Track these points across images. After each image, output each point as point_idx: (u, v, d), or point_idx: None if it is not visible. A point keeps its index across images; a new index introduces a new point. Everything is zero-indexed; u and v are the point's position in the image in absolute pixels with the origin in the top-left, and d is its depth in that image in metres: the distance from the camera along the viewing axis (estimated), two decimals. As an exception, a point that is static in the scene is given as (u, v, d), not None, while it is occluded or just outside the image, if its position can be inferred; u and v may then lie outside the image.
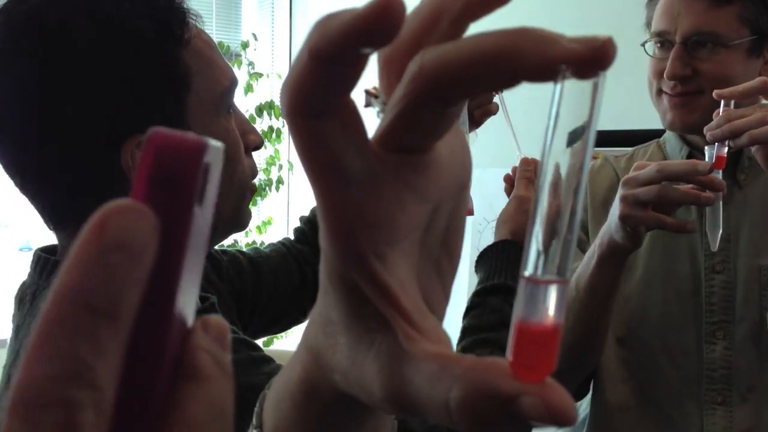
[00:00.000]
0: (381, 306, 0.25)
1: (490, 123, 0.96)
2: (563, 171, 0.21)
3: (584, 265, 0.97)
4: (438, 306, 0.28)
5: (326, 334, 0.27)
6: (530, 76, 0.21)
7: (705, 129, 0.88)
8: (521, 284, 0.21)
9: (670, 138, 1.12)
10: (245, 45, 3.19)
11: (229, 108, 0.75)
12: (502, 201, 0.96)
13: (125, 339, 0.18)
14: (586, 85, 0.21)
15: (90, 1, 0.64)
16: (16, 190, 0.69)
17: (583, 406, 1.14)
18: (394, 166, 0.25)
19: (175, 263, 0.19)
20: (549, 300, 0.21)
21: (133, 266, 0.18)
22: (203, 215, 0.20)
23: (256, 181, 0.81)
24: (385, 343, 0.25)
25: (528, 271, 0.21)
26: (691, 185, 0.86)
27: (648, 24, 1.07)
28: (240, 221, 0.79)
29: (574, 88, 0.21)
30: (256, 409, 0.34)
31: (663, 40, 1.02)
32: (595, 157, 1.21)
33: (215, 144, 0.20)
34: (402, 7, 0.21)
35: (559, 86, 0.21)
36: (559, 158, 0.21)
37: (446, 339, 0.25)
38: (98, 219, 0.18)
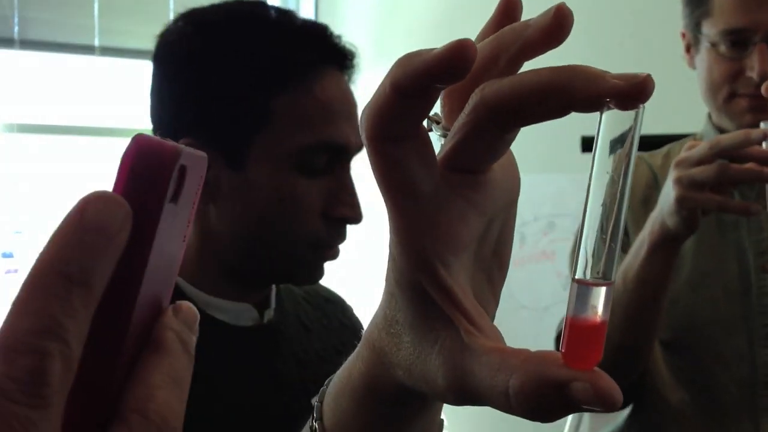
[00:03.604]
0: (446, 307, 0.29)
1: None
2: (607, 184, 0.25)
3: (632, 256, 0.95)
4: (488, 309, 0.32)
5: (390, 334, 0.32)
6: (579, 108, 0.26)
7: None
8: (572, 286, 0.26)
9: (707, 133, 1.10)
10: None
11: (309, 168, 0.77)
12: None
13: (95, 307, 0.22)
14: (628, 114, 0.25)
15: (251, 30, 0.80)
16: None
17: (625, 413, 1.13)
18: (457, 185, 0.29)
19: (146, 249, 0.24)
20: (596, 299, 0.25)
21: (106, 245, 0.22)
22: (179, 212, 0.25)
23: None
24: (448, 340, 0.29)
25: (578, 275, 0.26)
26: (750, 163, 0.84)
27: (695, 25, 1.05)
28: (302, 274, 0.84)
29: (617, 116, 0.25)
30: (316, 403, 0.38)
31: (738, 38, 0.98)
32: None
33: (196, 153, 0.25)
34: (474, 51, 0.25)
35: (604, 115, 0.25)
36: (603, 175, 0.26)
37: (500, 336, 0.29)
38: (80, 204, 0.22)
